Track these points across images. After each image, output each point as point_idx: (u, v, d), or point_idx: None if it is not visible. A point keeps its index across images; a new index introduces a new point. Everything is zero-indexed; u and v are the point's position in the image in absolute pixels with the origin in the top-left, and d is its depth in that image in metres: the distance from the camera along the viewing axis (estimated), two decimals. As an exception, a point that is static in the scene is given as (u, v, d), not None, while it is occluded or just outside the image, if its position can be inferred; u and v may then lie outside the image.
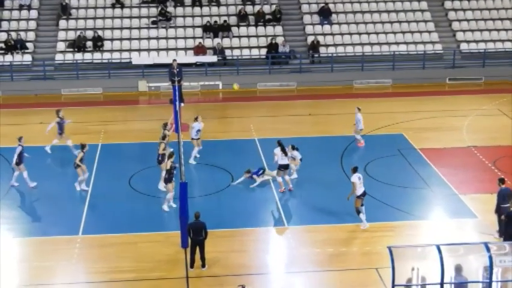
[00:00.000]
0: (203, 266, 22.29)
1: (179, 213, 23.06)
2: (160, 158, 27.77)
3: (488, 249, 18.62)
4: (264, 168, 28.54)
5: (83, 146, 27.59)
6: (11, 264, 22.97)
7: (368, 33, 45.20)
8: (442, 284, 18.41)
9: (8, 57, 42.52)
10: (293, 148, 28.13)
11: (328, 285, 21.62)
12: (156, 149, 28.15)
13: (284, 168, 27.46)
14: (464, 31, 45.68)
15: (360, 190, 24.63)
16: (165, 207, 26.12)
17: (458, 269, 18.78)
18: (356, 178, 24.62)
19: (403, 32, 45.37)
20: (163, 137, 28.44)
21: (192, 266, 22.27)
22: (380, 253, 22.53)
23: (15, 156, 27.87)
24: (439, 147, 32.20)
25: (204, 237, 22.12)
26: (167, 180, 25.94)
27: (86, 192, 27.58)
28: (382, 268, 21.56)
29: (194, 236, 22.08)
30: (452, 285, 18.85)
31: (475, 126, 34.90)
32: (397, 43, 44.71)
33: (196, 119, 30.43)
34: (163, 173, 26.74)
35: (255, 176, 28.30)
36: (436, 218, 25.76)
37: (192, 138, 30.39)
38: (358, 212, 24.75)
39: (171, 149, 27.77)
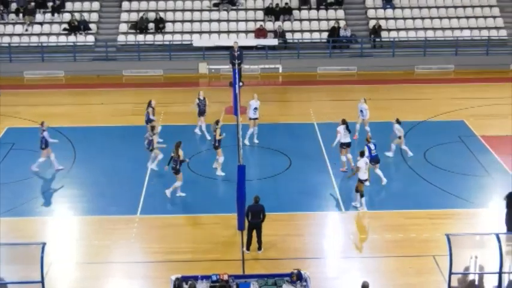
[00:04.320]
0: (259, 249, 22.32)
1: (236, 196, 23.11)
2: (217, 144, 27.67)
3: (548, 240, 18.31)
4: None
5: (152, 128, 27.81)
6: (71, 241, 23.37)
7: (431, 18, 44.58)
8: (500, 273, 18.15)
9: (72, 38, 43.11)
10: (397, 122, 28.69)
11: (385, 272, 21.45)
12: (213, 134, 28.14)
13: (346, 146, 27.48)
14: (530, 16, 44.80)
15: (364, 175, 24.64)
16: (168, 193, 26.11)
17: (517, 259, 18.52)
18: (363, 163, 24.62)
19: (467, 17, 44.61)
20: (217, 122, 28.41)
21: (248, 249, 22.33)
22: (438, 240, 22.27)
23: (44, 141, 27.67)
24: (501, 135, 31.65)
25: (262, 219, 22.16)
26: (178, 171, 25.86)
27: (145, 172, 27.80)
28: (440, 256, 21.35)
29: (252, 218, 22.13)
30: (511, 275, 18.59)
31: (538, 113, 34.20)
32: (460, 28, 43.99)
33: (253, 97, 30.56)
34: (221, 159, 27.17)
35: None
36: (496, 207, 25.32)
37: (250, 118, 30.43)
38: (362, 195, 24.77)
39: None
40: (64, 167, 28.37)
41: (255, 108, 30.29)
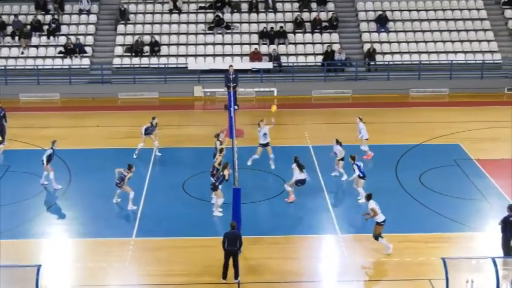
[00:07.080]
0: (236, 277, 21.97)
1: (232, 219, 23.04)
2: (215, 171, 27.40)
3: (545, 263, 18.30)
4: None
5: (130, 167, 26.96)
6: (66, 264, 23.27)
7: (425, 42, 44.78)
8: (497, 297, 18.13)
9: (67, 61, 43.17)
10: (338, 143, 28.87)
11: (381, 295, 21.45)
12: (213, 160, 28.06)
13: (301, 183, 27.06)
14: (524, 41, 45.06)
15: (380, 217, 23.61)
16: (218, 213, 26.20)
17: (514, 283, 18.50)
18: (374, 204, 23.58)
19: (461, 41, 44.84)
20: (221, 150, 28.16)
21: (224, 277, 21.99)
22: (434, 264, 22.25)
23: (44, 158, 28.41)
24: (496, 158, 31.70)
25: (239, 247, 21.89)
26: (216, 188, 26.00)
27: (141, 196, 27.75)
28: (436, 280, 21.29)
29: (229, 246, 21.73)
30: (508, 299, 18.57)
31: (533, 137, 34.29)
32: (455, 52, 44.19)
33: (261, 122, 30.35)
34: (220, 201, 26.40)
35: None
36: (492, 230, 25.29)
37: (261, 144, 30.25)
38: (376, 238, 23.66)
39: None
40: (60, 188, 28.48)
41: (265, 134, 30.22)
